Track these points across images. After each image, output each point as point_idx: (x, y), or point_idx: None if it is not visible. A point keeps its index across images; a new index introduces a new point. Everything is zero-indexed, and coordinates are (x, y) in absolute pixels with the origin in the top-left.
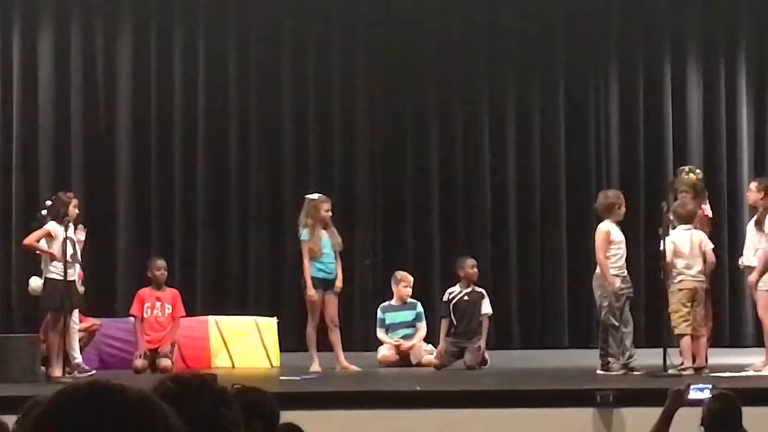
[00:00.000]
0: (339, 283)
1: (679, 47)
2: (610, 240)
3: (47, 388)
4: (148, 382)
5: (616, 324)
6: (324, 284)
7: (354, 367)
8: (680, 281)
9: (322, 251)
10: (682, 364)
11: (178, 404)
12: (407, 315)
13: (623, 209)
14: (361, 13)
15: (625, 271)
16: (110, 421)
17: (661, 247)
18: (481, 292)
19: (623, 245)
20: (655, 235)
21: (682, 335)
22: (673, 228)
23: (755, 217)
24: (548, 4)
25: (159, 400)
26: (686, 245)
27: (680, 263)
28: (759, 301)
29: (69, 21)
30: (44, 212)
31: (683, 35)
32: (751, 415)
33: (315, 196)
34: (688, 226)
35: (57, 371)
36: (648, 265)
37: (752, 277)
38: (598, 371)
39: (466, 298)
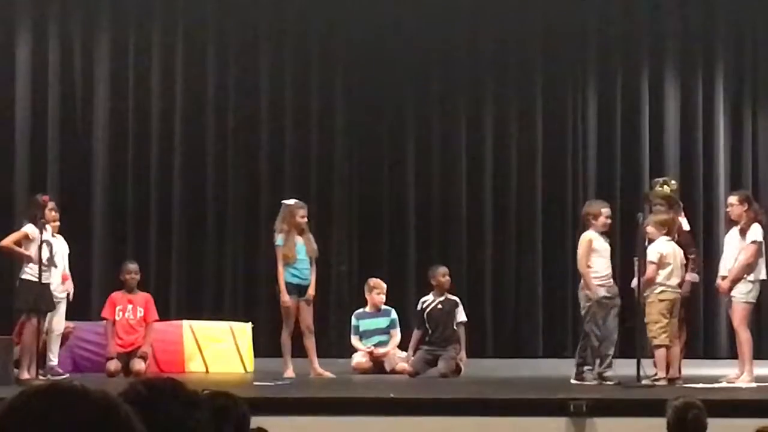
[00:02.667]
0: (311, 291)
1: (656, 61)
2: (593, 249)
3: (20, 391)
4: (120, 385)
5: (597, 333)
6: (298, 290)
7: (328, 374)
8: (661, 292)
9: (296, 257)
10: (655, 374)
11: (148, 408)
12: (381, 322)
13: (603, 219)
14: (340, 24)
15: (611, 281)
16: (71, 423)
17: (645, 258)
18: (455, 300)
19: (606, 254)
20: (631, 246)
21: (660, 346)
22: (650, 241)
23: (738, 228)
24: (527, 18)
25: (122, 402)
26: (671, 256)
27: (662, 273)
28: (735, 312)
29: (47, 25)
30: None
31: (661, 49)
32: (724, 426)
33: (291, 201)
34: (669, 238)
35: (26, 373)
36: (623, 276)
37: (725, 283)
38: (572, 380)
39: (439, 306)
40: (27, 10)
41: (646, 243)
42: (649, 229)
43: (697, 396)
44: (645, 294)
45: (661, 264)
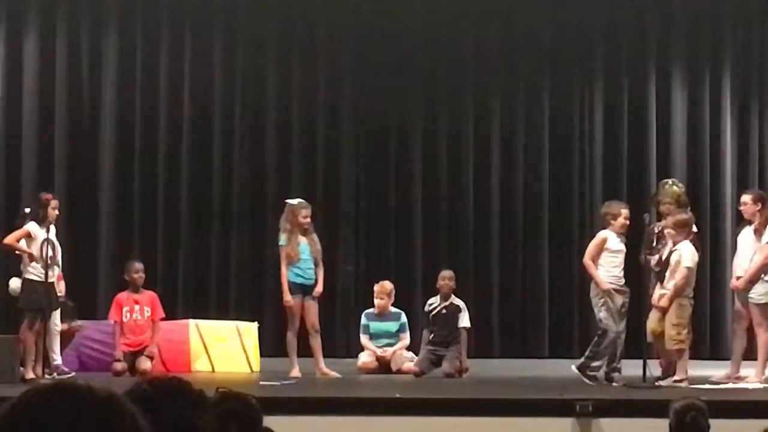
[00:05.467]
0: (319, 288)
1: (663, 60)
2: (605, 248)
3: (24, 390)
4: (126, 384)
5: (615, 328)
6: (302, 290)
7: (333, 373)
8: (693, 296)
9: (299, 257)
10: (660, 376)
11: (153, 407)
12: (391, 326)
13: (621, 220)
14: (347, 21)
15: (622, 282)
16: (76, 421)
17: (651, 260)
18: (458, 306)
19: (621, 255)
20: (638, 246)
21: (684, 349)
22: (659, 239)
23: (753, 228)
24: (534, 19)
25: (127, 401)
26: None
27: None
28: (754, 314)
29: (54, 21)
30: (27, 210)
31: (668, 49)
32: (730, 427)
33: (295, 201)
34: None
35: (30, 372)
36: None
37: (739, 283)
38: (574, 367)
39: (443, 311)
40: (35, 8)
41: (654, 243)
42: (669, 231)
43: (703, 397)
44: (675, 298)
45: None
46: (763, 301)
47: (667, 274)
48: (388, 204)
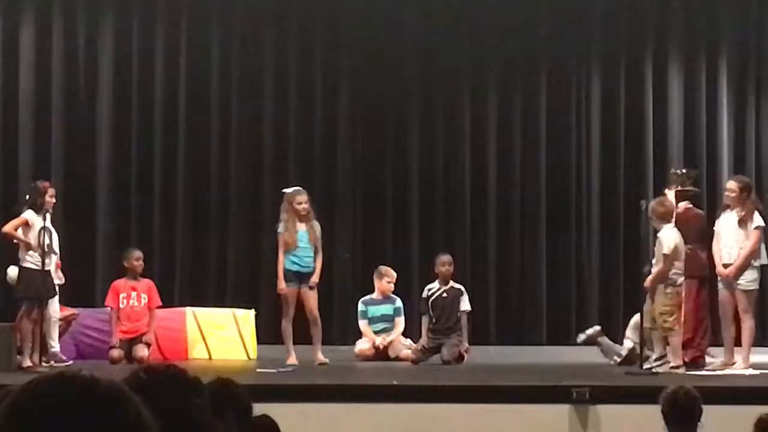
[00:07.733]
0: (315, 277)
1: (660, 48)
2: None
3: (21, 378)
4: (123, 372)
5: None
6: (299, 277)
7: (328, 362)
8: (680, 283)
9: (296, 244)
10: (664, 361)
11: (150, 395)
12: (387, 309)
13: None
14: (344, 11)
15: None
16: (80, 412)
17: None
18: (459, 289)
19: None
20: (636, 235)
21: (674, 336)
22: (654, 230)
23: (737, 217)
24: (530, 7)
25: (130, 391)
26: (681, 244)
27: (678, 264)
28: (742, 299)
29: (51, 9)
30: (28, 197)
31: (665, 36)
32: (724, 413)
33: (290, 189)
34: (671, 225)
35: (27, 361)
36: (626, 265)
37: (729, 270)
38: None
39: (444, 295)
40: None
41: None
42: (652, 220)
43: (698, 383)
44: (657, 283)
45: (678, 254)
46: (751, 288)
47: (654, 260)
48: (385, 191)
